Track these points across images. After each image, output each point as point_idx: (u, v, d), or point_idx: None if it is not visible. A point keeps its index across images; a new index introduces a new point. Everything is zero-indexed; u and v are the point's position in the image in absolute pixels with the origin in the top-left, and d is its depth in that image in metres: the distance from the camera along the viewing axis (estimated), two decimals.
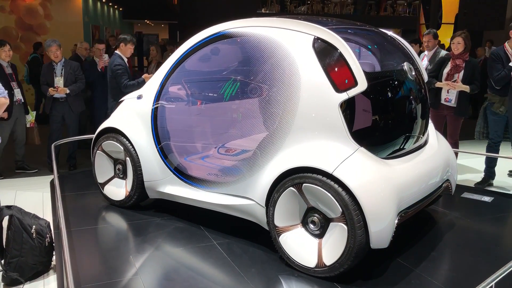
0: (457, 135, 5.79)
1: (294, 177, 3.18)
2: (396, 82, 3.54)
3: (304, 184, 3.14)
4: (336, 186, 3.01)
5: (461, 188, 5.15)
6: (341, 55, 3.15)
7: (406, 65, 3.60)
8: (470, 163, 6.94)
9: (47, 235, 3.65)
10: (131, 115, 4.30)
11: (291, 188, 3.20)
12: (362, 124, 3.23)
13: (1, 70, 5.96)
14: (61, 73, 6.28)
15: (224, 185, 3.66)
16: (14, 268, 3.51)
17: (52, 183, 5.20)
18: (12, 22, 12.88)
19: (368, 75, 3.18)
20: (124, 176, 4.41)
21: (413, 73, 3.64)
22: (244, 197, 3.53)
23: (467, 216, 4.40)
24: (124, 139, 4.28)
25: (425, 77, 4.01)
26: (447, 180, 3.88)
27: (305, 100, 3.18)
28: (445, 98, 5.66)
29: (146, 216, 4.28)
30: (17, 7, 12.95)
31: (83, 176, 5.57)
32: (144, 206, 4.50)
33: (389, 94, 3.47)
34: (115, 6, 19.13)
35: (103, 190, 4.57)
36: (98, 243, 3.88)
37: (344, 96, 3.07)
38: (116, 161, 4.49)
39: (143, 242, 3.76)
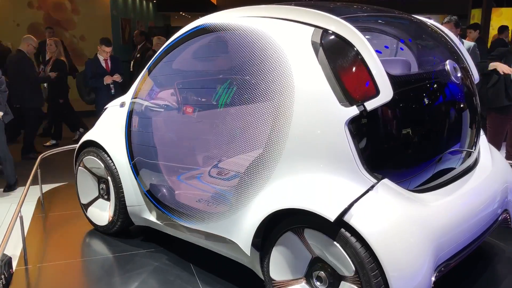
0: None
1: (291, 219, 2.39)
2: (434, 87, 2.66)
3: (305, 229, 2.35)
4: (347, 234, 2.19)
5: None
6: (357, 53, 2.31)
7: (449, 64, 2.71)
8: None
9: (2, 276, 3.04)
10: (112, 126, 3.62)
11: (290, 232, 2.41)
12: (383, 147, 2.39)
13: None
14: None
15: (199, 220, 2.89)
16: None
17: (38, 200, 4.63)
18: (40, 18, 12.61)
19: (396, 80, 2.34)
20: (108, 197, 3.74)
21: (459, 74, 2.74)
22: (225, 239, 2.76)
23: None
24: (105, 155, 3.61)
25: (476, 77, 3.09)
26: (506, 210, 2.97)
27: (299, 116, 2.36)
28: None
29: (131, 246, 3.61)
30: (45, 2, 12.67)
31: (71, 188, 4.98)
32: (132, 230, 3.83)
33: (424, 103, 2.59)
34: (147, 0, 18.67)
35: (86, 212, 3.93)
36: (71, 282, 3.23)
37: (353, 111, 2.23)
38: (99, 179, 3.83)
39: (121, 282, 3.08)
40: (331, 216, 2.15)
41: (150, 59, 3.26)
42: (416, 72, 2.79)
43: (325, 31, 2.40)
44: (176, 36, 3.01)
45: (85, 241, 3.78)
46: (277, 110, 2.40)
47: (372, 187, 2.23)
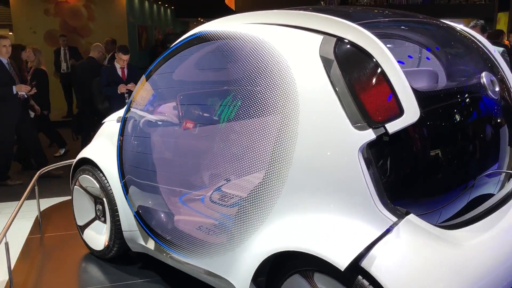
0: None
1: (298, 260, 2.03)
2: (467, 102, 2.28)
3: (315, 273, 1.99)
4: (364, 283, 1.83)
5: None
6: (377, 65, 1.96)
7: (485, 77, 2.33)
8: None
9: None
10: (108, 143, 3.32)
11: (298, 275, 2.06)
12: (407, 176, 2.03)
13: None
14: None
15: (190, 253, 2.56)
16: None
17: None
18: (57, 25, 12.55)
19: (423, 96, 1.98)
20: (105, 219, 3.44)
21: (497, 89, 2.36)
22: (220, 277, 2.41)
23: None
24: (100, 174, 3.31)
25: None
26: None
27: (304, 142, 2.00)
28: None
29: (127, 275, 3.30)
30: (61, 9, 12.61)
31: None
32: (131, 256, 3.53)
33: (455, 121, 2.22)
34: (166, 5, 18.53)
35: (82, 234, 3.64)
36: None
37: (368, 135, 1.87)
38: (96, 200, 3.54)
39: None
40: (341, 263, 1.79)
41: None
42: (446, 86, 2.41)
43: (339, 40, 2.05)
44: (172, 45, 2.69)
45: (79, 268, 3.48)
46: (279, 134, 2.05)
47: (393, 226, 1.85)
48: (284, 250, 2.00)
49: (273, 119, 2.07)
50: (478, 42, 2.76)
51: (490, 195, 2.43)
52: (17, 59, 7.16)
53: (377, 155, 1.94)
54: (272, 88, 2.09)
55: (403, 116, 1.90)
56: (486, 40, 2.84)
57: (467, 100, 2.27)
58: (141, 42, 14.70)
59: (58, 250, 3.82)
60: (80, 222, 3.64)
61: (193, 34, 2.55)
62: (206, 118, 2.45)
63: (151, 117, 2.80)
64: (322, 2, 17.96)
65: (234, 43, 2.27)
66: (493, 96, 2.31)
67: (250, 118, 2.16)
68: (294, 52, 2.09)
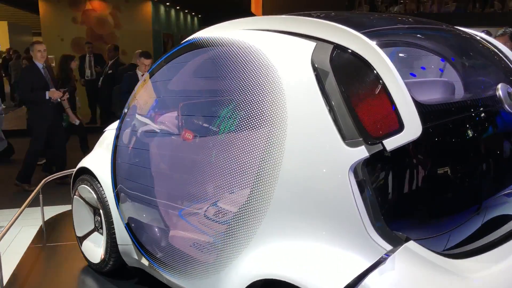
0: None
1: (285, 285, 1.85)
2: (481, 117, 2.06)
3: None
4: None
5: None
6: (375, 75, 1.77)
7: (501, 89, 2.10)
8: None
9: None
10: (106, 151, 3.21)
11: None
12: (407, 198, 1.82)
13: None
14: None
15: (177, 272, 2.40)
16: None
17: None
18: (83, 33, 12.73)
19: (427, 110, 1.78)
20: (102, 231, 3.33)
21: None
22: None
23: None
24: (98, 184, 3.21)
25: None
26: None
27: (291, 158, 1.82)
28: None
29: None
30: (88, 17, 12.80)
31: None
32: (129, 269, 3.40)
33: (466, 137, 2.00)
34: (193, 13, 18.63)
35: (81, 246, 3.54)
36: None
37: (360, 152, 1.68)
38: (95, 210, 3.43)
39: None
40: None
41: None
42: (457, 98, 2.19)
43: (336, 47, 1.87)
44: (166, 53, 2.55)
45: (74, 282, 3.37)
46: (265, 149, 1.88)
47: (388, 255, 1.65)
48: (267, 278, 1.82)
49: (259, 132, 1.90)
50: (498, 51, 2.53)
51: (506, 219, 2.19)
52: (67, 68, 7.27)
53: (374, 174, 1.75)
54: (259, 98, 1.92)
55: (403, 131, 1.70)
56: (508, 49, 2.60)
57: (481, 113, 2.04)
58: (166, 49, 14.77)
59: (57, 261, 3.73)
60: (79, 233, 3.54)
61: (186, 41, 2.42)
62: (192, 129, 2.30)
63: (140, 126, 2.67)
64: (352, 10, 17.75)
65: (223, 49, 2.12)
66: (510, 109, 2.08)
67: (235, 131, 2.00)
68: (283, 59, 1.92)
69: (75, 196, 3.53)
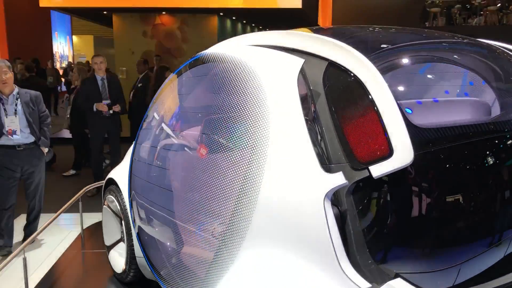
0: None
1: None
2: (494, 146, 1.84)
3: None
4: None
5: None
6: (365, 93, 1.64)
7: None
8: None
9: None
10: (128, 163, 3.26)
11: None
12: (398, 234, 1.65)
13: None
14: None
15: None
16: None
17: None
18: (153, 46, 13.26)
19: (426, 135, 1.62)
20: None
21: None
22: None
23: None
24: (121, 195, 3.26)
25: None
26: None
27: (270, 182, 1.72)
28: None
29: None
30: (158, 31, 13.32)
31: None
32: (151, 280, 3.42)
33: (474, 170, 1.78)
34: (260, 27, 18.83)
35: (108, 255, 3.61)
36: None
37: (338, 179, 1.55)
38: (121, 220, 3.49)
39: None
40: None
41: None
42: (468, 123, 1.97)
43: (327, 62, 1.76)
44: (177, 68, 2.55)
45: None
46: (246, 170, 1.79)
47: None
48: None
49: (242, 152, 1.82)
50: None
51: None
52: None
53: (360, 203, 1.61)
54: (243, 116, 1.84)
55: (392, 157, 1.55)
56: None
57: (494, 142, 1.82)
58: None
59: (89, 267, 3.85)
60: (107, 242, 3.62)
61: (192, 57, 2.40)
62: (181, 145, 2.26)
63: (146, 140, 2.68)
64: (426, 23, 17.04)
65: (217, 66, 2.07)
66: None
67: (220, 151, 1.93)
68: (271, 74, 1.83)
69: (104, 206, 3.62)
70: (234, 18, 15.27)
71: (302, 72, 1.75)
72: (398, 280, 1.55)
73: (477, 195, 1.77)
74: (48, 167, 7.54)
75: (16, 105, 4.11)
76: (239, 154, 1.82)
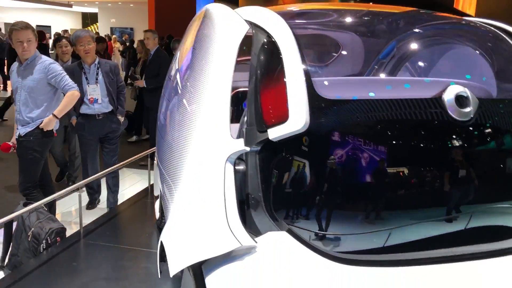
0: None
1: None
2: (408, 120, 1.80)
3: None
4: None
5: None
6: (281, 61, 1.79)
7: (450, 91, 1.80)
8: None
9: (44, 241, 3.48)
10: None
11: None
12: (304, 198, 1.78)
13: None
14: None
15: None
16: (11, 265, 3.49)
17: None
18: None
19: (332, 106, 1.74)
20: None
21: (470, 109, 1.79)
22: None
23: None
24: None
25: None
26: None
27: (198, 140, 2.03)
28: None
29: None
30: None
31: None
32: None
33: (378, 144, 1.76)
34: None
35: (155, 204, 4.15)
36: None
37: (237, 144, 1.76)
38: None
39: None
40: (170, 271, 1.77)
41: None
42: (383, 96, 1.91)
43: (256, 27, 1.97)
44: None
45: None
46: (190, 121, 2.11)
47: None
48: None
49: (193, 106, 2.10)
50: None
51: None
52: None
53: (260, 164, 1.77)
54: (205, 70, 2.08)
55: (287, 122, 1.70)
56: None
57: (409, 115, 1.79)
58: None
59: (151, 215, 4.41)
60: (156, 192, 4.15)
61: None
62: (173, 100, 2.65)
63: (165, 95, 3.11)
64: None
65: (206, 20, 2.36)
66: (458, 119, 1.77)
67: (184, 105, 2.25)
68: (227, 38, 2.04)
69: (154, 161, 4.13)
70: None
71: (244, 39, 1.93)
72: (282, 232, 1.69)
73: (370, 166, 1.77)
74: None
75: (97, 74, 4.39)
76: (190, 106, 2.12)
